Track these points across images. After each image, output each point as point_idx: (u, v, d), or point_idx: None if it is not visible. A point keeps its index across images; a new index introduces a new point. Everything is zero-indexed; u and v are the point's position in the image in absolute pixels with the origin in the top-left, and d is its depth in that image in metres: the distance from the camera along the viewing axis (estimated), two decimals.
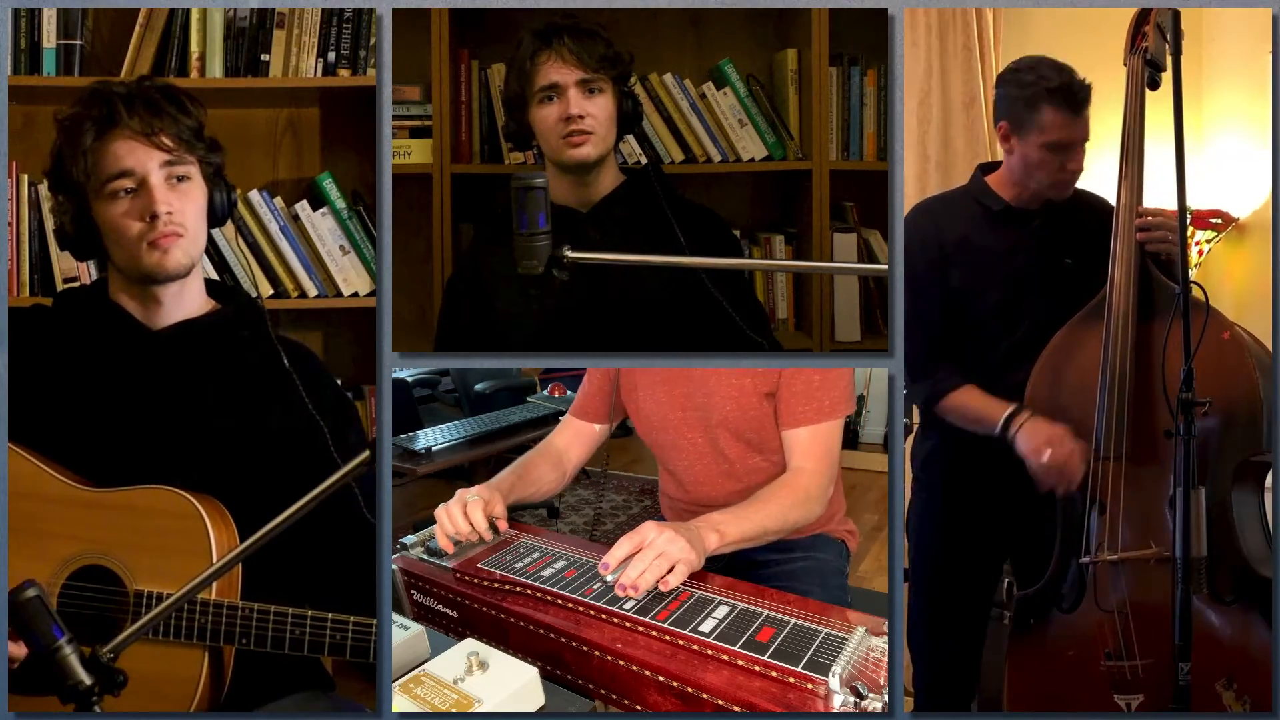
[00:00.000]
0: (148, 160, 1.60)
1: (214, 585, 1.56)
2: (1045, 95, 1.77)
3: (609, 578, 1.46)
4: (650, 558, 1.44)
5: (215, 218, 1.69)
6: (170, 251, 1.61)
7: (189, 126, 1.63)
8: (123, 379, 1.66)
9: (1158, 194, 1.77)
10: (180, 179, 1.62)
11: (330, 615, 1.55)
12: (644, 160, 1.98)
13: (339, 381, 1.83)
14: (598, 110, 1.78)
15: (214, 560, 1.55)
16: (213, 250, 1.98)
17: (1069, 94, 1.77)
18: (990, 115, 1.95)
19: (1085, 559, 1.74)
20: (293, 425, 1.68)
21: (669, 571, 1.45)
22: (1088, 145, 1.81)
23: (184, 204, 1.62)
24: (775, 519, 1.67)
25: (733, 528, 1.59)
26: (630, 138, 1.96)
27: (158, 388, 1.66)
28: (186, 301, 1.69)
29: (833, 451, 1.76)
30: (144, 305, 1.67)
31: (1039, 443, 1.75)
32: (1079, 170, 1.82)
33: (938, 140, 1.98)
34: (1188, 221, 1.74)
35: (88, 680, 1.20)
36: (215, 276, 1.96)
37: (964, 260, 1.87)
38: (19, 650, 1.54)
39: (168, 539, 1.57)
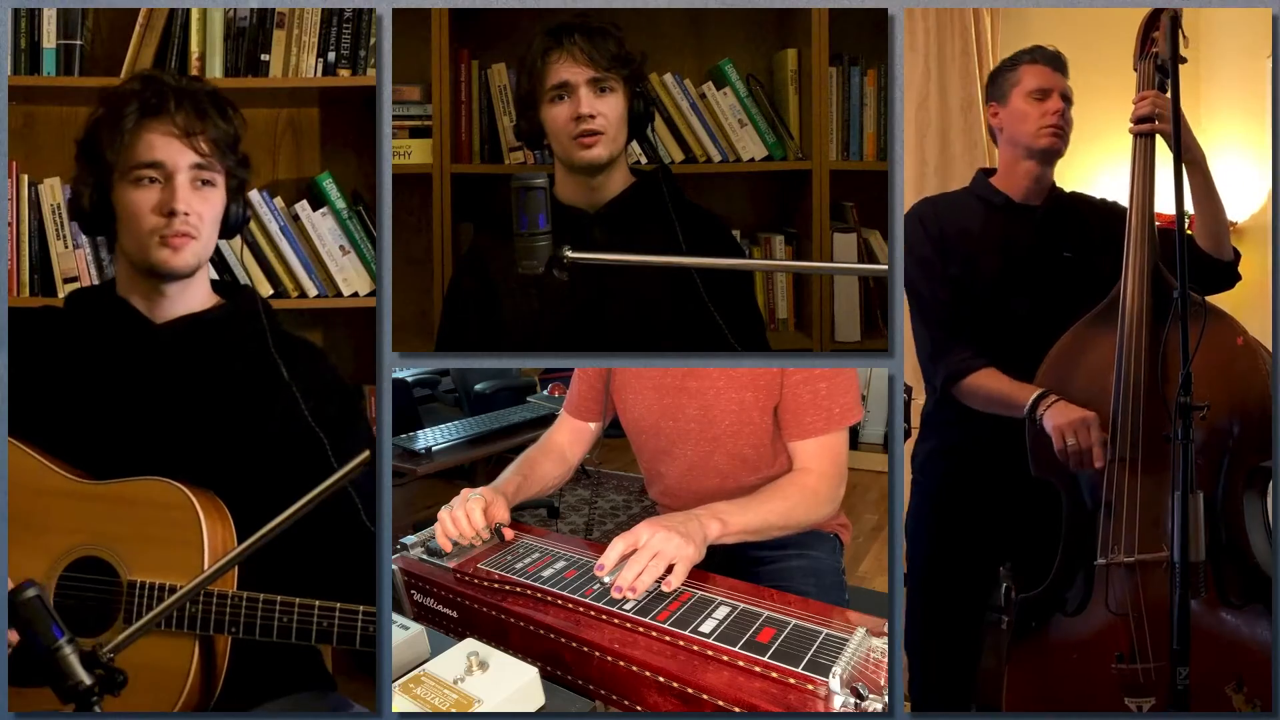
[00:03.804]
0: (179, 157, 1.61)
1: None
2: (1024, 57, 1.89)
3: (605, 578, 1.47)
4: (645, 558, 1.44)
5: (227, 229, 1.70)
6: (180, 251, 1.62)
7: (227, 135, 1.65)
8: (125, 372, 1.66)
9: (1157, 195, 1.77)
10: (205, 183, 1.63)
11: (318, 602, 1.55)
12: (644, 160, 1.98)
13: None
14: (609, 110, 1.77)
15: (205, 551, 1.56)
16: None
17: (1045, 54, 1.87)
18: (988, 120, 1.97)
19: (1100, 560, 1.74)
20: (293, 421, 1.68)
21: (668, 571, 1.45)
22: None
23: (203, 208, 1.63)
24: (780, 515, 1.66)
25: (736, 518, 1.58)
26: None
27: (159, 381, 1.66)
28: (191, 296, 1.69)
29: (841, 457, 1.75)
30: (148, 299, 1.67)
31: (1064, 423, 1.76)
32: (1057, 113, 1.85)
33: (935, 144, 1.99)
34: (1185, 225, 1.75)
35: (88, 680, 1.20)
36: (215, 276, 1.96)
37: (964, 249, 1.89)
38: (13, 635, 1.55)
39: (160, 529, 1.58)
